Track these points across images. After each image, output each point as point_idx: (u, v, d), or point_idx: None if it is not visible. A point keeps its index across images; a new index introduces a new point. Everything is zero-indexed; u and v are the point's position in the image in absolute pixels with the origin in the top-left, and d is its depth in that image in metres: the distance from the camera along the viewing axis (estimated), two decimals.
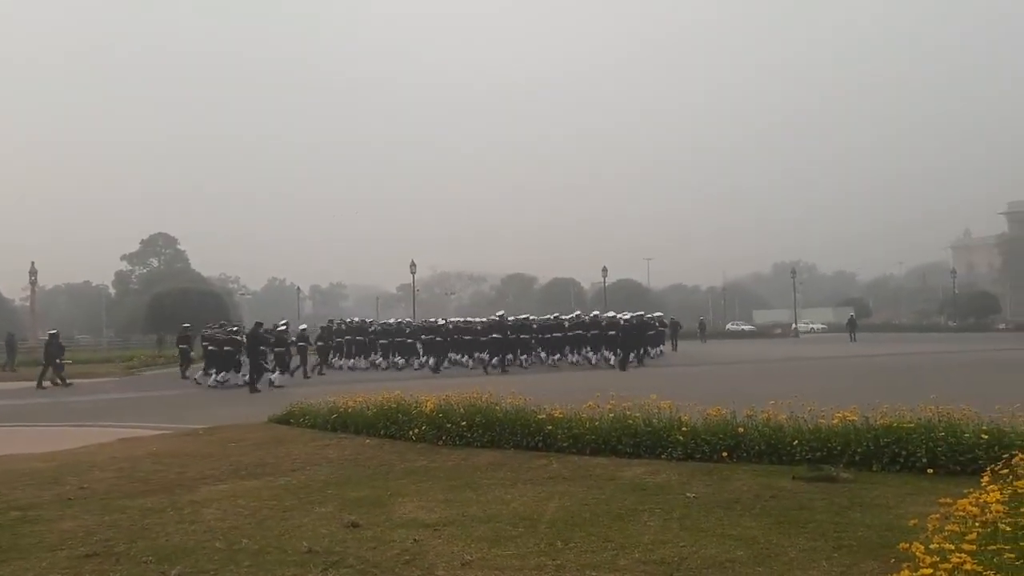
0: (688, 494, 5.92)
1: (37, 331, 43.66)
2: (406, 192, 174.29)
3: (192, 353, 25.84)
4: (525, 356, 25.93)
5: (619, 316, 26.76)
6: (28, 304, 54.69)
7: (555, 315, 29.80)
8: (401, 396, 10.21)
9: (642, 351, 26.35)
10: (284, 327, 22.89)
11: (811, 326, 73.28)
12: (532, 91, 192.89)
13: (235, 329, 23.96)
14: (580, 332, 26.57)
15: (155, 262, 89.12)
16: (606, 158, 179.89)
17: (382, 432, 9.57)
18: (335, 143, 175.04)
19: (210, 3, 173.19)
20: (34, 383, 23.05)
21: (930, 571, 2.82)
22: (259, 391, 19.29)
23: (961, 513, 3.48)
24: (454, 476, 7.04)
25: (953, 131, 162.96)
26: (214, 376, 21.52)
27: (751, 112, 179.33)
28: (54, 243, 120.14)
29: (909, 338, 48.29)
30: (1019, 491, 3.76)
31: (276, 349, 21.31)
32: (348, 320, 30.91)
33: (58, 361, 23.58)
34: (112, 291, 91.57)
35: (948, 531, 3.27)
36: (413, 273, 51.61)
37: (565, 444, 7.94)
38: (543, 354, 26.15)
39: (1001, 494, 3.64)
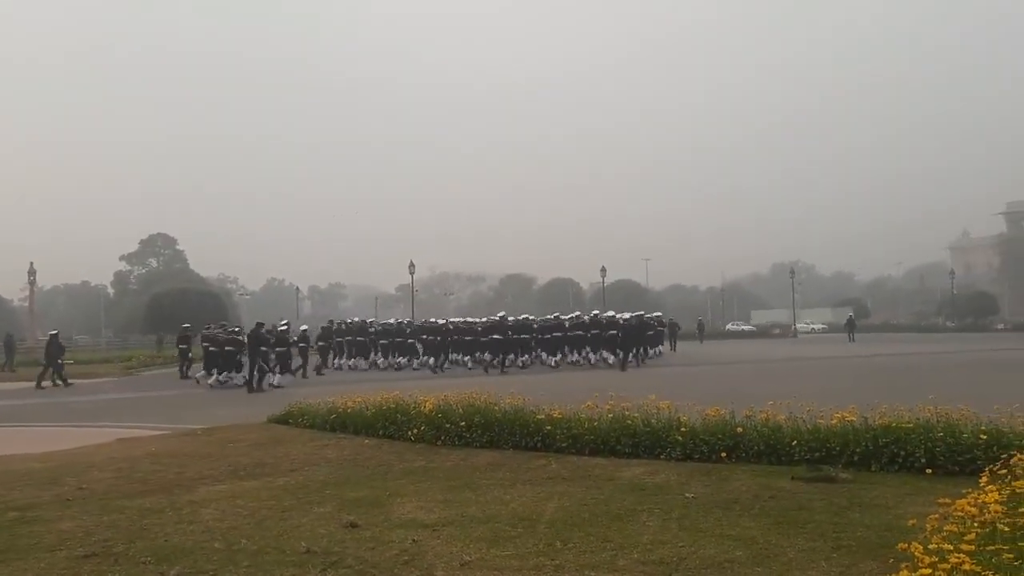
0: (687, 494, 5.92)
1: (36, 331, 43.67)
2: (406, 192, 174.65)
3: (191, 353, 25.84)
4: (525, 357, 25.93)
5: (619, 316, 26.77)
6: (27, 304, 54.67)
7: (555, 314, 29.82)
8: (400, 396, 10.21)
9: (641, 351, 26.35)
10: (285, 327, 22.91)
11: (811, 326, 73.33)
12: (532, 91, 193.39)
13: (236, 330, 23.97)
14: (580, 332, 26.59)
15: (154, 262, 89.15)
16: (606, 158, 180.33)
17: (381, 432, 9.57)
18: (335, 143, 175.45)
19: (210, 3, 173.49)
20: (33, 383, 23.05)
21: (929, 571, 2.82)
22: (263, 391, 19.28)
23: (960, 513, 3.48)
24: (453, 476, 7.04)
25: (953, 131, 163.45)
26: (215, 376, 21.54)
27: (751, 112, 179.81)
28: (53, 243, 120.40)
29: (907, 338, 48.33)
30: (1017, 491, 3.76)
31: (278, 349, 21.31)
32: (348, 320, 30.92)
33: (59, 361, 23.60)
34: (111, 291, 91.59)
35: (947, 531, 3.27)
36: (412, 274, 51.62)
37: (564, 444, 7.94)
38: (543, 355, 26.15)
39: (1000, 494, 3.64)
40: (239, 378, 21.12)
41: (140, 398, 19.62)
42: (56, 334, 25.33)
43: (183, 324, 28.02)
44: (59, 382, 23.11)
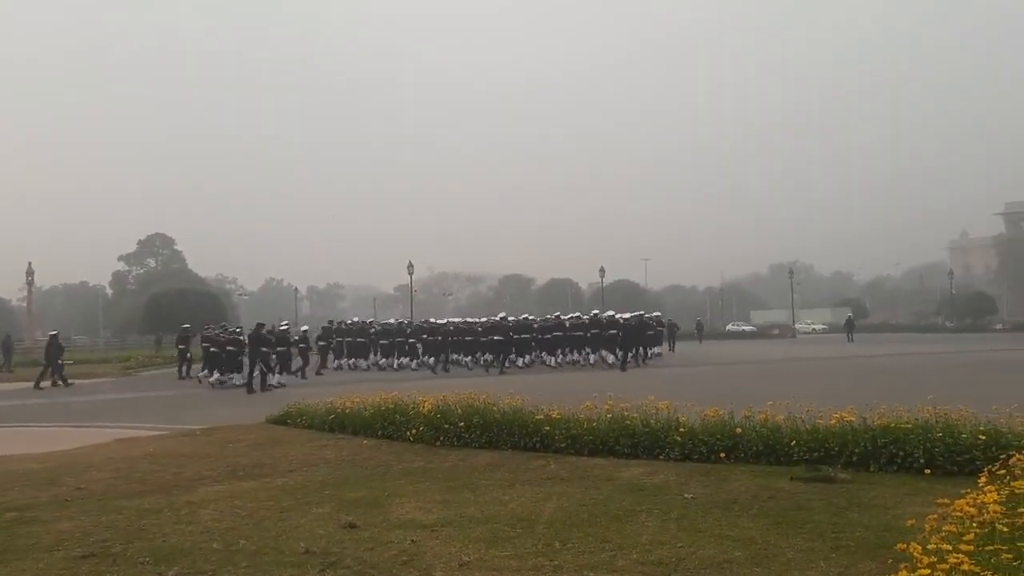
0: (686, 495, 5.92)
1: (34, 331, 43.65)
2: (406, 192, 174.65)
3: (189, 354, 25.83)
4: (527, 357, 25.91)
5: (619, 316, 26.77)
6: (25, 305, 54.62)
7: (556, 314, 29.82)
8: (399, 397, 10.21)
9: (641, 351, 26.35)
10: (286, 327, 22.93)
11: (812, 326, 73.35)
12: (532, 91, 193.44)
13: (238, 330, 23.99)
14: (580, 332, 26.59)
15: (152, 262, 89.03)
16: (606, 158, 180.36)
17: (380, 433, 9.57)
18: (335, 143, 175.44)
19: (210, 3, 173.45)
20: (31, 384, 23.03)
21: (927, 571, 2.82)
22: (269, 389, 19.28)
23: (958, 514, 3.48)
24: (452, 477, 7.04)
25: (953, 131, 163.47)
26: (217, 375, 21.56)
27: (751, 112, 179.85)
28: (53, 243, 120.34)
29: (906, 339, 48.36)
30: (1016, 492, 3.75)
31: (279, 349, 21.32)
32: (349, 321, 30.93)
33: (59, 362, 23.60)
34: (109, 292, 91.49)
35: (945, 531, 3.27)
36: (410, 274, 51.59)
37: (563, 445, 7.94)
38: (544, 355, 26.15)
39: (998, 495, 3.64)
40: (239, 378, 21.12)
41: (138, 398, 19.60)
42: (56, 334, 25.43)
43: (183, 325, 28.02)
44: (60, 382, 23.11)
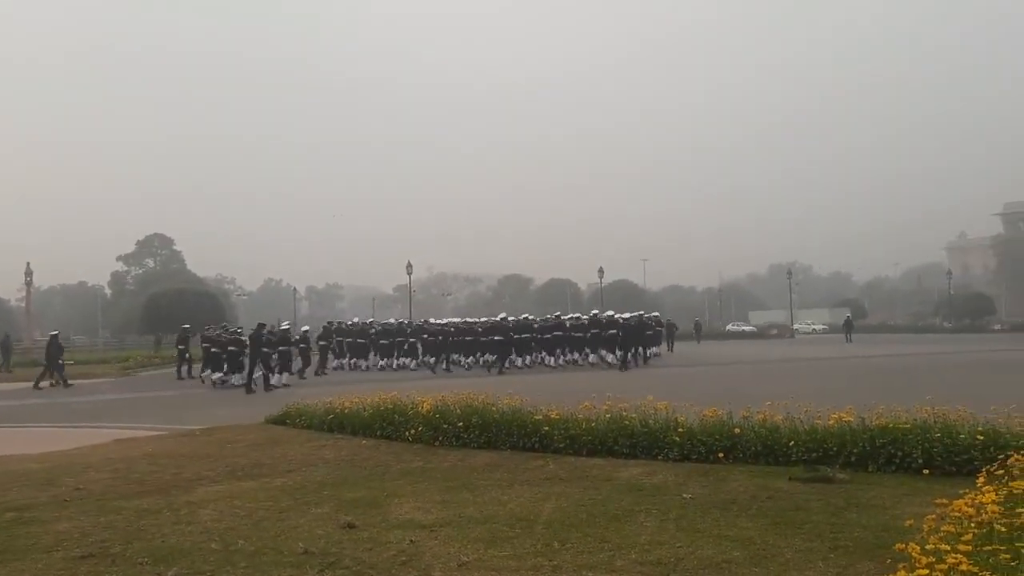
0: (684, 495, 5.92)
1: (33, 332, 43.61)
2: (406, 192, 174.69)
3: (188, 354, 25.84)
4: (527, 357, 25.91)
5: (619, 316, 26.77)
6: (24, 305, 54.57)
7: (556, 314, 29.81)
8: (397, 397, 10.21)
9: (641, 351, 26.35)
10: (287, 327, 22.95)
11: (812, 327, 73.37)
12: (532, 91, 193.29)
13: (239, 330, 24.01)
14: (580, 332, 26.59)
15: (151, 263, 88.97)
16: (606, 158, 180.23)
17: (378, 433, 9.57)
18: (335, 143, 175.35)
19: (210, 3, 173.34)
20: (30, 384, 23.02)
21: (926, 572, 2.82)
22: (272, 389, 19.28)
23: (957, 514, 3.48)
24: (450, 477, 7.04)
25: (953, 131, 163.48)
26: (218, 375, 21.56)
27: (751, 112, 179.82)
28: (52, 243, 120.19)
29: (905, 339, 48.41)
30: (1015, 492, 3.76)
31: (280, 349, 21.33)
32: (349, 321, 30.93)
33: (59, 362, 23.60)
34: (108, 292, 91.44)
35: (944, 532, 3.27)
36: (409, 274, 51.54)
37: (562, 445, 7.94)
38: (544, 355, 26.15)
39: (997, 495, 3.64)
40: (238, 379, 21.13)
41: (137, 398, 19.60)
42: (56, 334, 25.50)
43: (182, 325, 28.05)
44: (60, 383, 23.10)
